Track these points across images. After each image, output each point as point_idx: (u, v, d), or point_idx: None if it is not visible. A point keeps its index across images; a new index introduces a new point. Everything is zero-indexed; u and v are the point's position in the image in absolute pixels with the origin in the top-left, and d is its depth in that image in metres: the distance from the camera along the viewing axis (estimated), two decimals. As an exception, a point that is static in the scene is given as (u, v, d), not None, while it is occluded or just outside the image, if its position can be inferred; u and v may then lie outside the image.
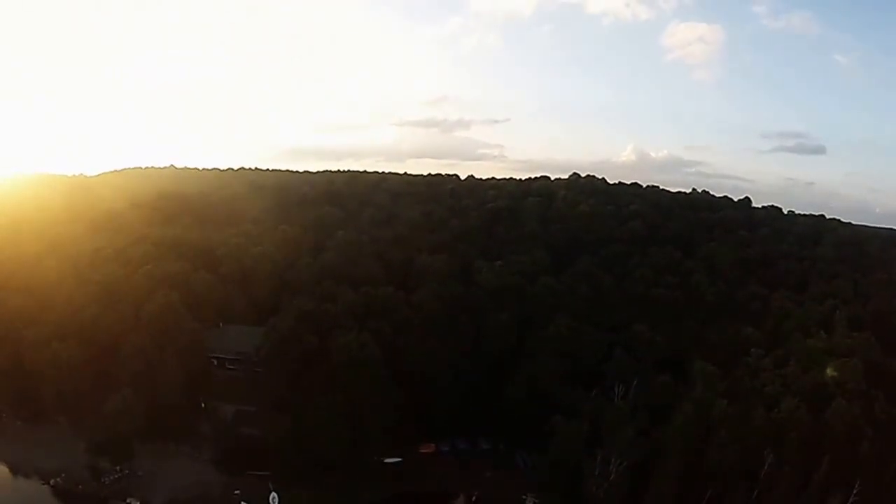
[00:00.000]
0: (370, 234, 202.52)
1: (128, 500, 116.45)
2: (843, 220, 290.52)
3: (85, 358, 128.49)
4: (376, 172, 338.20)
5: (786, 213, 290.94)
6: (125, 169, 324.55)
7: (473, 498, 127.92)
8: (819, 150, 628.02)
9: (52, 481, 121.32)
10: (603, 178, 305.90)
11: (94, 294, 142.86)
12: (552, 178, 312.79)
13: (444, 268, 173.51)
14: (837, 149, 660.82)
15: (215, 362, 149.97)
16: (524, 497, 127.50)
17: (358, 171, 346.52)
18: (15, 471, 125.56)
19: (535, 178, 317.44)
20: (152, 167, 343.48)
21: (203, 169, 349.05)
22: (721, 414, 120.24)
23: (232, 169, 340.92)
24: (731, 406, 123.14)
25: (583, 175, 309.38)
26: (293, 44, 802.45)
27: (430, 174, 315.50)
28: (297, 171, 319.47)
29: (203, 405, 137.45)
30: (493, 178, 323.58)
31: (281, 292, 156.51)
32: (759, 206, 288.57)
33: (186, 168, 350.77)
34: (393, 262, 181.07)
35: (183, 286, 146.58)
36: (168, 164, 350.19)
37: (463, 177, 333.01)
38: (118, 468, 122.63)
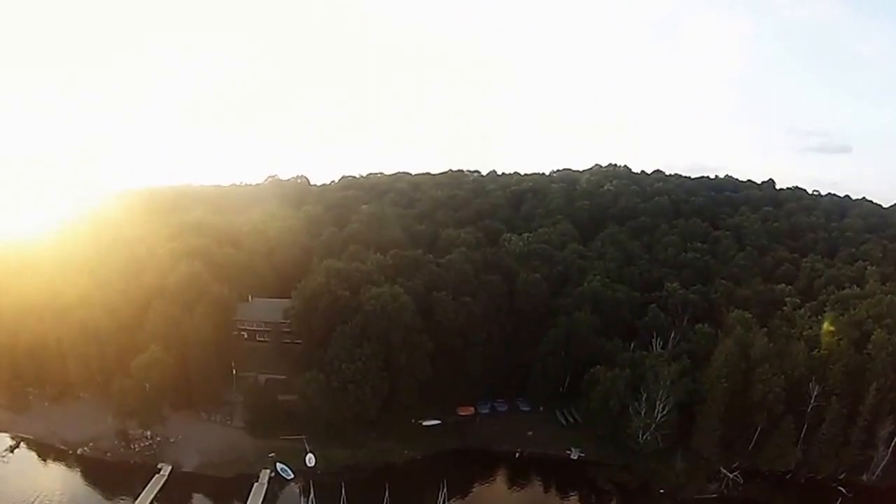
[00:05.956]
0: (394, 212, 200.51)
1: (159, 466, 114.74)
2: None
3: (111, 327, 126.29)
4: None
5: (811, 192, 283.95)
6: (140, 189, 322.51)
7: (517, 455, 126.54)
8: (844, 149, 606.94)
9: (79, 450, 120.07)
10: (625, 166, 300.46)
11: (118, 269, 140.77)
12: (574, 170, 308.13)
13: (471, 239, 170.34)
14: (862, 146, 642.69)
15: (245, 335, 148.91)
16: (569, 451, 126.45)
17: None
18: (42, 443, 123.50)
19: (558, 170, 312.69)
20: (168, 186, 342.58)
21: (219, 186, 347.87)
22: (762, 350, 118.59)
23: (248, 184, 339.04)
24: (772, 343, 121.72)
25: (604, 165, 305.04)
26: (310, 71, 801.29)
27: (450, 170, 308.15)
28: (314, 185, 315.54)
29: (234, 373, 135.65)
30: (515, 172, 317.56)
31: (308, 262, 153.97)
32: (784, 187, 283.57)
33: (203, 186, 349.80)
34: (418, 234, 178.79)
35: (207, 258, 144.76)
36: (185, 184, 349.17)
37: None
38: (148, 434, 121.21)
